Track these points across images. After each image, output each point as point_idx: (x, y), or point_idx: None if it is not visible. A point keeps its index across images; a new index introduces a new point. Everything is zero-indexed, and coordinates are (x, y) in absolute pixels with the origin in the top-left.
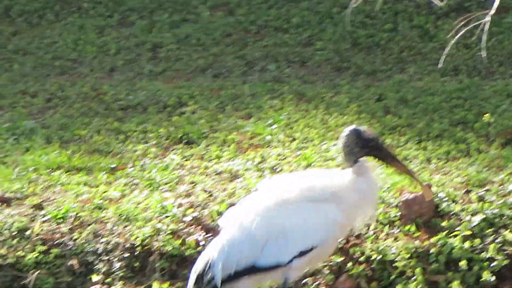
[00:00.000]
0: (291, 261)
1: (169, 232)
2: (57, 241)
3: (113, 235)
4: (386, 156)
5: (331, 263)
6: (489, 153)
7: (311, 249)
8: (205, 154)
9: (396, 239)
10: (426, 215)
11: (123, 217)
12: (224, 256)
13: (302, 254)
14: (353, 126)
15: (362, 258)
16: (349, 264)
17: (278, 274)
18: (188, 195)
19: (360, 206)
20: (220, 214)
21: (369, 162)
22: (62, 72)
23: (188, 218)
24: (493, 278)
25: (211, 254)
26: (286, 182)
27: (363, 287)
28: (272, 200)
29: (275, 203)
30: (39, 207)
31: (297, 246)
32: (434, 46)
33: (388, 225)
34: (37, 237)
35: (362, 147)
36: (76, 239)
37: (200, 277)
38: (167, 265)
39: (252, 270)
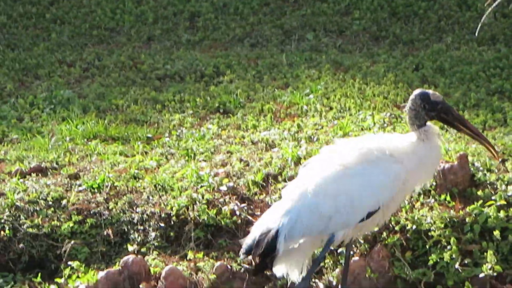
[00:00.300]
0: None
1: (204, 201)
2: (92, 211)
3: (148, 205)
4: (455, 120)
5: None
6: None
7: (378, 209)
8: (241, 123)
9: (431, 208)
10: (461, 185)
11: (159, 186)
12: (288, 228)
13: (369, 215)
14: (420, 90)
15: (397, 228)
16: (384, 234)
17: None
18: (224, 164)
19: (420, 171)
20: (255, 183)
21: (435, 127)
22: (99, 41)
23: (223, 188)
24: None
25: (273, 223)
26: (346, 147)
27: (398, 257)
28: (334, 167)
29: (338, 170)
30: (75, 177)
31: (365, 210)
32: (471, 15)
33: (423, 195)
34: (72, 207)
35: (429, 110)
36: (111, 209)
37: (258, 244)
38: (202, 234)
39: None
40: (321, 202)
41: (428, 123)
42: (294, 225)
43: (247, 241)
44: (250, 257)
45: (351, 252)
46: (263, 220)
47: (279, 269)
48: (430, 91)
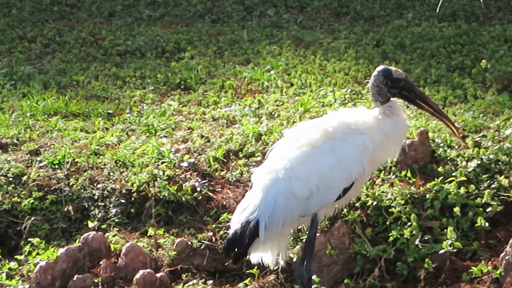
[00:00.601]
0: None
1: (165, 178)
2: (53, 187)
3: (109, 181)
4: (416, 97)
5: None
6: (486, 99)
7: (353, 184)
8: (202, 100)
9: (391, 185)
10: (422, 161)
11: (120, 163)
12: (267, 216)
13: (345, 191)
14: (383, 66)
15: (357, 204)
16: (345, 210)
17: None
18: (185, 141)
19: (387, 145)
20: (216, 160)
21: (399, 102)
22: (60, 17)
23: (184, 164)
24: (487, 224)
25: (251, 214)
26: (310, 127)
27: (358, 233)
28: (301, 149)
29: (306, 151)
30: (35, 153)
31: (339, 186)
32: None
33: (383, 171)
34: (33, 183)
35: (391, 87)
36: (72, 185)
37: (241, 238)
38: (163, 211)
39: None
40: (294, 186)
41: (392, 99)
42: (273, 213)
43: (228, 237)
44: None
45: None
46: (240, 212)
47: (254, 256)
48: (393, 68)
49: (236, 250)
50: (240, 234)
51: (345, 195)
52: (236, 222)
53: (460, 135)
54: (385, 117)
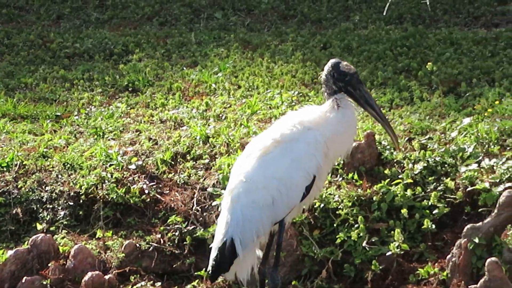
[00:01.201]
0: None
1: (113, 180)
2: (1, 190)
3: (57, 184)
4: (361, 97)
5: None
6: (432, 101)
7: (314, 180)
8: (150, 102)
9: (339, 187)
10: (368, 163)
11: (68, 165)
12: (239, 232)
13: (308, 189)
14: (336, 59)
15: (305, 207)
16: None
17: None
18: (132, 143)
19: (338, 139)
20: (164, 162)
21: (348, 97)
22: (8, 20)
23: (132, 166)
24: (434, 226)
25: (224, 236)
26: (260, 137)
27: (306, 235)
28: (255, 159)
29: (259, 160)
30: None
31: (300, 185)
32: None
33: (331, 173)
34: None
35: (337, 79)
36: (20, 188)
37: (223, 261)
38: (111, 213)
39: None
40: (256, 197)
41: (341, 93)
42: (244, 228)
43: (210, 264)
44: (220, 277)
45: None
46: (215, 238)
47: (229, 274)
48: (344, 62)
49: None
50: (221, 257)
51: (309, 193)
52: (213, 249)
53: (399, 149)
54: (331, 110)
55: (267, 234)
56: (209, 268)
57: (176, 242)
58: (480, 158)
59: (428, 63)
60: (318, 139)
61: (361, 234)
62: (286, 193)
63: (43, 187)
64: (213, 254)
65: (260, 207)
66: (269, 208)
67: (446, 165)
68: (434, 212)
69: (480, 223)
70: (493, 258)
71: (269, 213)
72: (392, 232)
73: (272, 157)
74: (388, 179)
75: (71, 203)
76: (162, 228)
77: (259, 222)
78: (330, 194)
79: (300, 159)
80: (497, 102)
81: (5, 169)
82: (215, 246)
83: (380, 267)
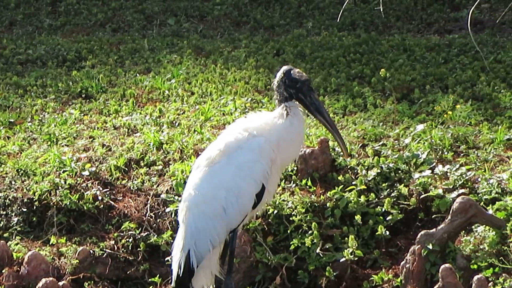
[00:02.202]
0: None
1: (67, 186)
2: None
3: (11, 190)
4: (312, 104)
5: None
6: (385, 108)
7: (263, 187)
8: (103, 108)
9: (292, 193)
10: (322, 170)
11: (21, 171)
12: (193, 243)
13: (259, 197)
14: (288, 66)
15: (258, 213)
16: None
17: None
18: (86, 149)
19: (285, 146)
20: (118, 168)
21: (298, 105)
22: None
23: (86, 173)
24: (388, 232)
25: (180, 250)
26: (209, 148)
27: (260, 241)
28: (201, 171)
29: (205, 172)
30: None
31: (250, 193)
32: (332, 1)
33: (284, 180)
34: None
35: (288, 86)
36: None
37: (183, 274)
38: (65, 219)
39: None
40: (206, 208)
41: (292, 100)
42: (198, 239)
43: (173, 278)
44: None
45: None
46: (174, 252)
47: (196, 284)
48: (296, 69)
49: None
50: (180, 272)
51: (261, 200)
52: (173, 263)
53: (348, 157)
54: (280, 117)
55: (222, 243)
56: (173, 284)
57: (130, 248)
58: (434, 164)
59: (381, 70)
60: (262, 146)
61: (314, 241)
62: (236, 201)
63: None
64: (174, 269)
65: (212, 218)
66: (221, 217)
67: (399, 172)
68: (387, 218)
69: (434, 230)
70: (447, 265)
71: (222, 223)
72: (346, 238)
73: (218, 167)
74: (342, 186)
75: (25, 210)
76: (116, 234)
77: (213, 232)
78: (283, 200)
79: (246, 166)
80: (450, 109)
81: None
82: (175, 260)
83: (334, 274)
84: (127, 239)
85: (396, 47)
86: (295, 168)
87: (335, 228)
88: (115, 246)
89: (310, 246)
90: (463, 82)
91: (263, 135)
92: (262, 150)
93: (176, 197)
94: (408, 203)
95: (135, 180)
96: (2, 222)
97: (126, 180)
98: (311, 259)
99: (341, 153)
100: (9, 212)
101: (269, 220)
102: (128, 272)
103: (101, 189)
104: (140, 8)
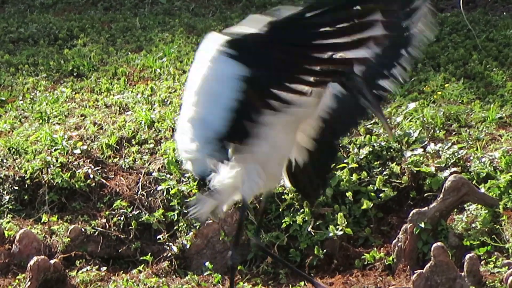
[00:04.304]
0: None
1: (58, 165)
2: None
3: (2, 168)
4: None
5: None
6: None
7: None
8: (95, 87)
9: None
10: None
11: (13, 150)
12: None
13: None
14: None
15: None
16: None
17: None
18: (77, 128)
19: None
20: (109, 146)
21: None
22: None
23: (77, 151)
24: (380, 210)
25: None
26: None
27: (251, 220)
28: None
29: None
30: None
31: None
32: None
33: None
34: None
35: None
36: None
37: None
38: (56, 198)
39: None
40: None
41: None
42: None
43: None
44: None
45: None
46: None
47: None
48: None
49: None
50: None
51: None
52: None
53: (391, 133)
54: None
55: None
56: None
57: (121, 226)
58: (426, 143)
59: None
60: None
61: (306, 219)
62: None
63: None
64: None
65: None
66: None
67: (391, 150)
68: (379, 196)
69: (426, 208)
70: (439, 243)
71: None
72: (337, 215)
73: None
74: (334, 164)
75: (16, 188)
76: (107, 212)
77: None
78: None
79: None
80: (443, 87)
81: None
82: None
83: (324, 252)
84: (119, 218)
85: None
86: None
87: (326, 206)
88: (106, 224)
89: (301, 224)
90: (455, 61)
91: None
92: None
93: (168, 175)
94: (400, 181)
95: (127, 158)
96: None
97: (118, 158)
98: (302, 238)
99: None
100: (1, 191)
101: (261, 198)
102: (119, 251)
103: (92, 167)
104: None
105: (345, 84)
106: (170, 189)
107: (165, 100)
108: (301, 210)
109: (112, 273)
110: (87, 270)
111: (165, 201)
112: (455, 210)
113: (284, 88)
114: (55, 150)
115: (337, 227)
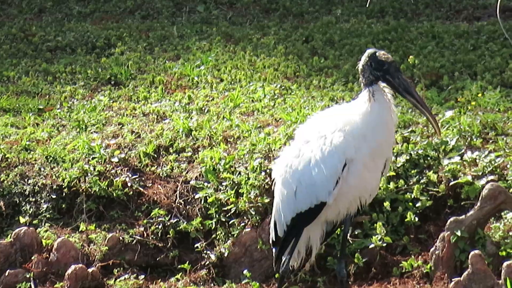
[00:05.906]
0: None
1: (96, 173)
2: None
3: (40, 177)
4: (400, 85)
5: (257, 204)
6: None
7: (345, 164)
8: (132, 95)
9: None
10: None
11: (50, 158)
12: (276, 211)
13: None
14: (372, 49)
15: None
16: None
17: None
18: (115, 136)
19: (371, 133)
20: (147, 155)
21: (384, 87)
22: None
23: (115, 159)
24: (417, 219)
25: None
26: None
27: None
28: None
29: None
30: None
31: (337, 160)
32: None
33: None
34: None
35: (374, 69)
36: (3, 181)
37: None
38: (94, 206)
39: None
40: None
41: (380, 83)
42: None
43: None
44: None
45: None
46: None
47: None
48: (381, 51)
49: None
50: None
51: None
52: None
53: (441, 135)
54: (367, 99)
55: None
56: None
57: (159, 235)
58: (463, 151)
59: (410, 57)
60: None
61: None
62: (318, 168)
63: (26, 180)
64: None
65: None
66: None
67: (428, 158)
68: (417, 205)
69: (463, 216)
70: (476, 251)
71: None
72: (375, 225)
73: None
74: None
75: (54, 196)
76: (145, 221)
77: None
78: None
79: (338, 140)
80: (479, 95)
81: None
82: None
83: (363, 260)
84: (157, 226)
85: (425, 34)
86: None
87: (364, 214)
88: (144, 232)
89: (339, 233)
90: (491, 69)
91: (353, 127)
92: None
93: (205, 184)
94: (437, 189)
95: (164, 166)
96: (31, 209)
97: (155, 166)
98: (340, 246)
99: (435, 133)
100: (38, 199)
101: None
102: (157, 259)
103: (130, 175)
104: None
105: (391, 82)
106: (208, 197)
107: (203, 108)
108: None
109: (150, 282)
110: (125, 278)
111: (203, 209)
112: (492, 218)
113: None
114: (93, 158)
115: (376, 235)
